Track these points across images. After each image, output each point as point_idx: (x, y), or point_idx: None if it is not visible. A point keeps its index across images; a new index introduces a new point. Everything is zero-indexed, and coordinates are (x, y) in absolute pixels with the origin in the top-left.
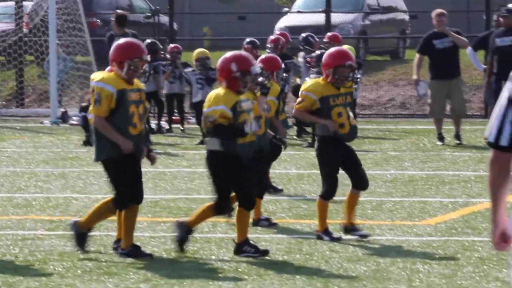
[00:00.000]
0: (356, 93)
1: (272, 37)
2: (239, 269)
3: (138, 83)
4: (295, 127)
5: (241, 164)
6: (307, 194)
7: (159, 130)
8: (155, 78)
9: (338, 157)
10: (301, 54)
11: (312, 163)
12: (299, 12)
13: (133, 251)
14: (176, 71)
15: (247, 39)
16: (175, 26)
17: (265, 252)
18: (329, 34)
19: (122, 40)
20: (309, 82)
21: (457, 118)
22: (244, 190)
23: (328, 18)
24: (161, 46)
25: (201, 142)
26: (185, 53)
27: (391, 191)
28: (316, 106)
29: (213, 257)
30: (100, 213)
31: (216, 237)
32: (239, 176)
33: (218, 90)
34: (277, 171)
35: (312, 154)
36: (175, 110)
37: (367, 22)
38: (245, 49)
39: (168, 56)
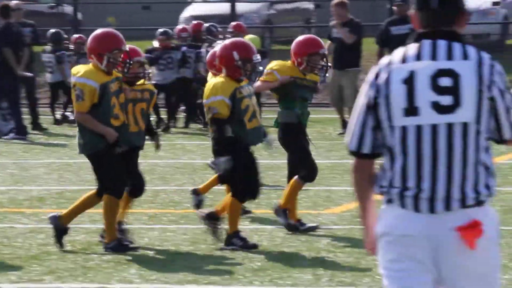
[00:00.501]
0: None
1: (185, 26)
2: (144, 260)
3: (115, 72)
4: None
5: (245, 154)
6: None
7: (64, 119)
8: (59, 68)
9: (302, 141)
10: (205, 44)
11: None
12: (204, 1)
13: (117, 245)
14: (81, 61)
15: (160, 30)
16: (79, 16)
17: (254, 246)
18: (233, 23)
19: (99, 32)
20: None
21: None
22: (242, 181)
23: (233, 8)
24: (66, 36)
25: None
26: None
27: None
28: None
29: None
30: (84, 207)
31: (93, 228)
32: (243, 166)
33: (217, 79)
34: (183, 161)
35: None
36: None
37: (272, 11)
38: (158, 40)
39: (72, 46)
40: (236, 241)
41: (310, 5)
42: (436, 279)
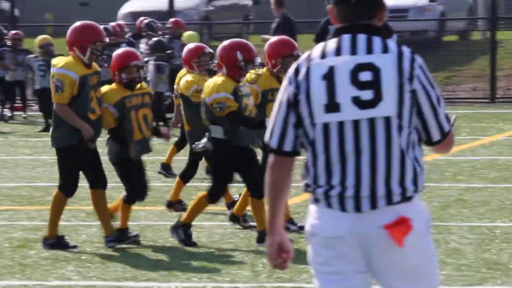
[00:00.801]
0: None
1: (119, 23)
2: (82, 257)
3: (95, 65)
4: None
5: (246, 152)
6: (152, 180)
7: (1, 117)
8: (1, 64)
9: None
10: (143, 40)
11: (156, 150)
12: None
13: (57, 243)
14: (18, 58)
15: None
16: (16, 12)
17: (193, 244)
18: (172, 20)
19: (80, 24)
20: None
21: None
22: (252, 179)
23: (171, 4)
24: (5, 32)
25: (44, 130)
26: (28, 40)
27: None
28: (258, 100)
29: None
30: (57, 212)
31: (30, 225)
32: (245, 166)
33: (216, 78)
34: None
35: (156, 141)
36: (18, 97)
37: (210, 7)
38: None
39: (9, 43)
40: (180, 233)
41: (249, 2)
42: (371, 275)
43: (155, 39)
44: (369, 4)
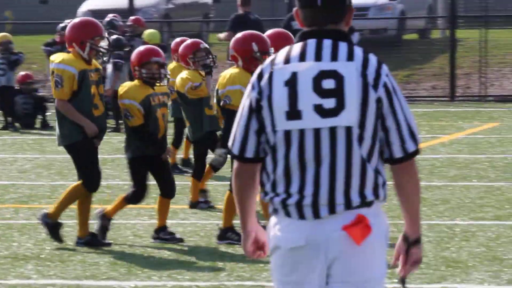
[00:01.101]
0: None
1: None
2: (41, 256)
3: (96, 63)
4: None
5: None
6: (110, 179)
7: None
8: None
9: None
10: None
11: (116, 148)
12: None
13: (90, 240)
14: None
15: (61, 24)
16: None
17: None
18: (132, 17)
19: (78, 20)
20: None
21: None
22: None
23: (131, 2)
24: None
25: (3, 128)
26: None
27: None
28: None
29: (15, 244)
30: (70, 200)
31: (18, 223)
32: None
33: (232, 70)
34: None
35: (115, 139)
36: None
37: (170, 5)
38: (59, 35)
39: None
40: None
41: (209, 0)
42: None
43: (114, 37)
44: (336, 7)
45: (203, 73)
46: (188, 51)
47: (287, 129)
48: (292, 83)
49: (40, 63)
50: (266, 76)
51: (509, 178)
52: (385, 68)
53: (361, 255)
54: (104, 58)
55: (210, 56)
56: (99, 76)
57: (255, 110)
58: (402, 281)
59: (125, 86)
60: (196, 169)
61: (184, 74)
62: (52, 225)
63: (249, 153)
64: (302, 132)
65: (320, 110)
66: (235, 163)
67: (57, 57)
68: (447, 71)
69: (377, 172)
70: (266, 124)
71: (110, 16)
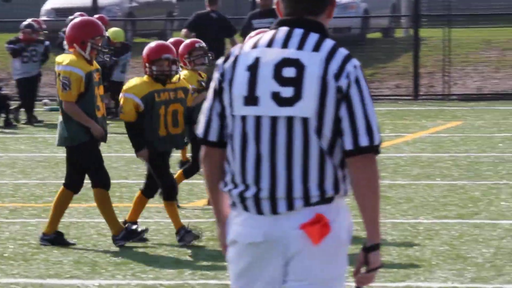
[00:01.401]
0: (124, 75)
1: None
2: (4, 255)
3: (95, 63)
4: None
5: None
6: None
7: None
8: None
9: None
10: None
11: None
12: None
13: (55, 238)
14: None
15: (25, 22)
16: None
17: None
18: (96, 16)
19: (79, 20)
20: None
21: None
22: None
23: (95, 0)
24: None
25: None
26: None
27: None
28: None
29: None
30: (61, 209)
31: None
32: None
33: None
34: (44, 155)
35: None
36: None
37: (134, 4)
38: (23, 33)
39: None
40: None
41: None
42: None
43: None
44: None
45: (204, 74)
46: (185, 51)
47: (243, 115)
48: (254, 68)
49: (3, 61)
50: (231, 59)
51: (472, 176)
52: (354, 62)
53: (319, 255)
54: (106, 58)
55: (208, 55)
56: (99, 77)
57: (218, 92)
58: None
59: (131, 81)
60: (190, 167)
61: (181, 75)
62: (55, 239)
63: (212, 136)
64: (258, 119)
65: (277, 98)
66: (202, 148)
67: (63, 59)
68: (410, 70)
69: (339, 166)
70: (226, 108)
71: (75, 14)
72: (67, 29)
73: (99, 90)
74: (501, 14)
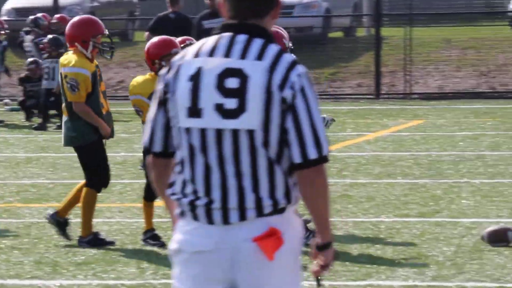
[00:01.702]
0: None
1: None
2: None
3: (95, 61)
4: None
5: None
6: (35, 177)
7: None
8: None
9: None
10: (29, 37)
11: (41, 146)
12: None
13: (93, 239)
14: None
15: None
16: None
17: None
18: (57, 15)
19: (79, 18)
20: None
21: None
22: None
23: (56, 0)
24: None
25: None
26: None
27: (120, 173)
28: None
29: None
30: (90, 209)
31: None
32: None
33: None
34: (5, 155)
35: (41, 137)
36: None
37: (95, 3)
38: None
39: None
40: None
41: None
42: None
43: (51, 36)
44: (261, 0)
45: None
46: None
47: (188, 127)
48: (196, 78)
49: None
50: (174, 69)
51: (433, 175)
52: (298, 69)
53: (271, 268)
54: (107, 56)
55: None
56: (100, 74)
57: (162, 103)
58: (317, 280)
59: (135, 81)
60: None
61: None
62: (92, 239)
63: (157, 147)
64: (203, 132)
65: (221, 110)
66: (148, 156)
67: (68, 61)
68: (372, 69)
69: (288, 172)
70: (171, 119)
71: (38, 15)
72: (67, 27)
73: (101, 87)
74: (462, 13)
